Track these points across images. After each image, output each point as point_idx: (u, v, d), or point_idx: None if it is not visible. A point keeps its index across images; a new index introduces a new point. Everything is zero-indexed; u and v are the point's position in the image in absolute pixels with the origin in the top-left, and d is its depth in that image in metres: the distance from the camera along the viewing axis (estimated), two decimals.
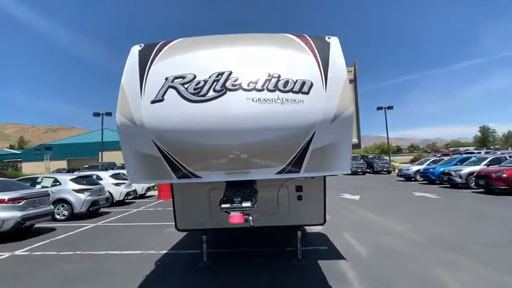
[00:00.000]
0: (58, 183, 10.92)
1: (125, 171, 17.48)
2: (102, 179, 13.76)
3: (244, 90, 3.16)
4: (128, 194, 14.69)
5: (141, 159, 3.44)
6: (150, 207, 13.43)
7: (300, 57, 3.45)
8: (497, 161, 15.39)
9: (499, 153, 21.51)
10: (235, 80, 3.20)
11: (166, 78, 3.30)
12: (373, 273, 4.84)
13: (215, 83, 3.20)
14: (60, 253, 6.43)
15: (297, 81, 3.25)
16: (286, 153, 3.29)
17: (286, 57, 3.45)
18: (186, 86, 3.23)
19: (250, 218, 3.51)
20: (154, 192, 18.47)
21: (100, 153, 38.68)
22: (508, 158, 15.28)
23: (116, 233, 8.25)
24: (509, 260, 5.15)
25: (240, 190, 3.57)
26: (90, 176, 12.90)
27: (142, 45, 3.65)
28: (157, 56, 3.49)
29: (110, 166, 29.43)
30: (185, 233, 7.79)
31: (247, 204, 3.40)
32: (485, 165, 15.32)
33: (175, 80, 3.27)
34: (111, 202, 12.77)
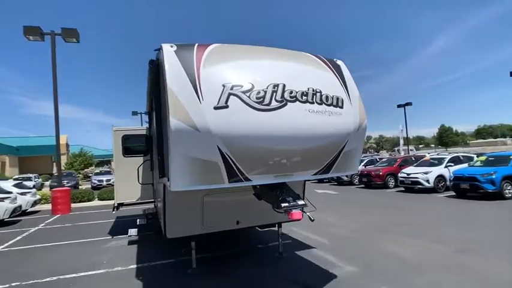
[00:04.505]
0: None
1: (6, 182, 14.19)
2: None
3: (300, 102, 3.61)
4: (14, 210, 11.92)
5: (193, 163, 3.38)
6: (50, 223, 11.28)
7: (326, 75, 4.12)
8: (371, 162, 19.58)
9: (368, 155, 27.56)
10: (291, 92, 3.60)
11: (224, 85, 3.39)
12: (346, 254, 5.85)
13: (274, 93, 3.51)
14: None
15: (333, 96, 3.90)
16: (327, 157, 3.89)
17: (318, 74, 4.05)
18: (247, 94, 3.41)
19: (308, 214, 3.94)
20: (41, 207, 15.47)
21: None
22: (378, 159, 19.69)
23: (45, 256, 6.84)
24: (426, 233, 7.02)
25: (284, 191, 3.95)
26: None
27: (174, 45, 3.53)
28: (203, 61, 3.49)
29: None
30: (136, 245, 7.28)
31: (302, 202, 3.83)
32: (363, 165, 19.21)
33: (235, 88, 3.41)
34: None
